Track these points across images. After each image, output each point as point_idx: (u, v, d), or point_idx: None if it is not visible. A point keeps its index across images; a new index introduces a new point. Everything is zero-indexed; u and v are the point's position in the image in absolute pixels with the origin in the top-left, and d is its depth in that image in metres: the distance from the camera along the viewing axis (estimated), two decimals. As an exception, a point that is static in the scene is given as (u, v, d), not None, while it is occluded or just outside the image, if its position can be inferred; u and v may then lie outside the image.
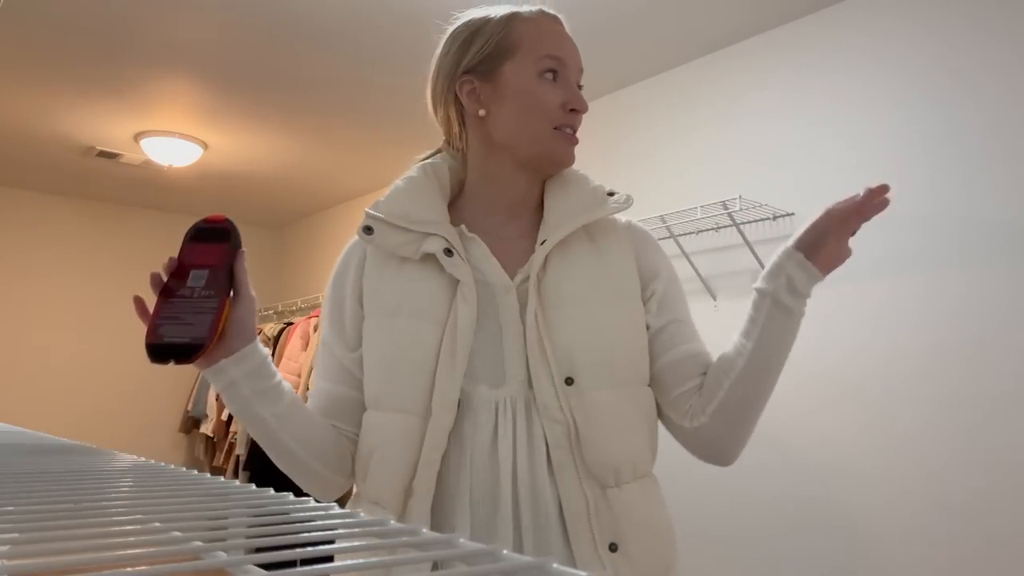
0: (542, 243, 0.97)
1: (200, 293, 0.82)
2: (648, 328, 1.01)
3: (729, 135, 2.61)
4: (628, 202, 1.02)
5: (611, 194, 1.03)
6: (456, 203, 1.05)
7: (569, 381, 0.92)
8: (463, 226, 1.00)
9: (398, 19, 2.51)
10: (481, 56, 0.99)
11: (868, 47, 2.28)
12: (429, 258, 0.96)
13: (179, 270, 0.84)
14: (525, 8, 1.01)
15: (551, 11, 1.02)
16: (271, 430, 0.98)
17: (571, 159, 1.01)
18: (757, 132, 2.54)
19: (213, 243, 0.85)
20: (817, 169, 2.36)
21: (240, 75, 2.96)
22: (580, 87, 1.02)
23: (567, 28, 1.03)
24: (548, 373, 0.91)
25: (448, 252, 0.95)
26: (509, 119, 0.97)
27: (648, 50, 2.71)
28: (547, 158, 1.00)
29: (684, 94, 2.79)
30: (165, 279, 0.84)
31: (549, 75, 0.98)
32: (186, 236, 0.86)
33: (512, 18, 1.00)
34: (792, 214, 2.38)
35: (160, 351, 0.80)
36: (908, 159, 2.16)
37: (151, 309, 0.83)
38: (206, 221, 0.86)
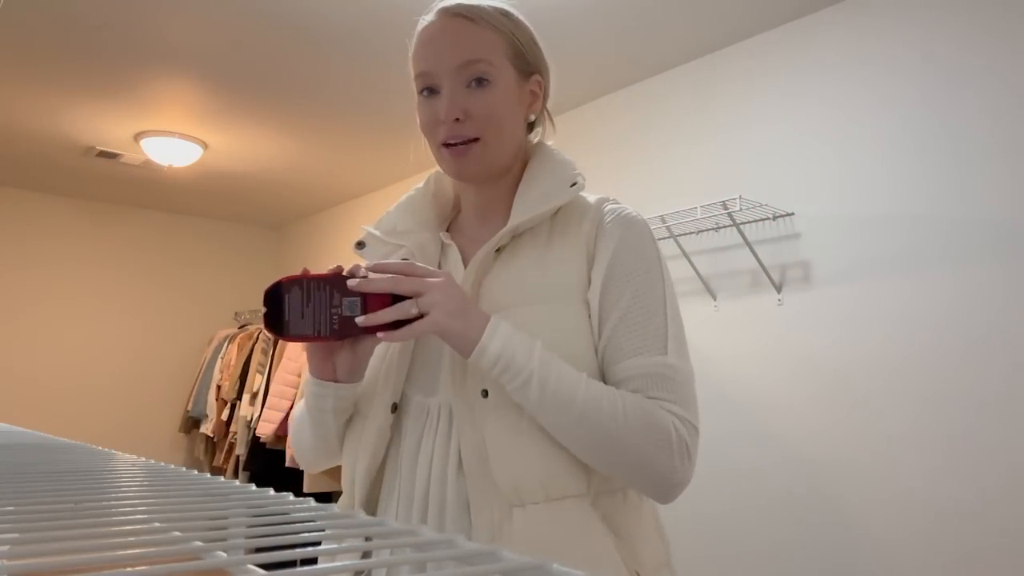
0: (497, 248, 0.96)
1: (342, 310, 0.83)
2: (595, 334, 0.92)
3: (729, 135, 2.61)
4: (576, 189, 0.96)
5: (574, 184, 0.97)
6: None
7: (485, 393, 0.89)
8: (443, 234, 1.03)
9: (398, 19, 2.51)
10: (413, 79, 1.02)
11: (866, 48, 2.28)
12: None
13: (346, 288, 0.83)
14: (426, 16, 1.01)
15: (442, 4, 0.99)
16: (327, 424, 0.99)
17: (464, 173, 0.96)
18: (757, 132, 2.54)
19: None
20: (817, 169, 2.36)
21: (240, 75, 2.96)
22: (476, 77, 0.93)
23: (456, 13, 0.97)
24: (466, 385, 0.90)
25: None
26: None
27: (647, 51, 2.71)
28: (449, 175, 1.00)
29: (684, 95, 2.79)
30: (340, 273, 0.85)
31: (425, 92, 0.97)
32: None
33: (414, 34, 1.01)
34: (792, 214, 2.38)
35: (275, 299, 0.81)
36: (906, 159, 2.16)
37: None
38: None
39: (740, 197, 2.31)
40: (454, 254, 1.01)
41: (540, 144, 1.04)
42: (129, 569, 0.25)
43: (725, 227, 2.52)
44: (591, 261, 0.94)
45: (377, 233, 1.02)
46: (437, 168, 1.06)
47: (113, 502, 0.39)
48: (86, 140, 3.69)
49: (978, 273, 1.99)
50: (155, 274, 4.90)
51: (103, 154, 3.85)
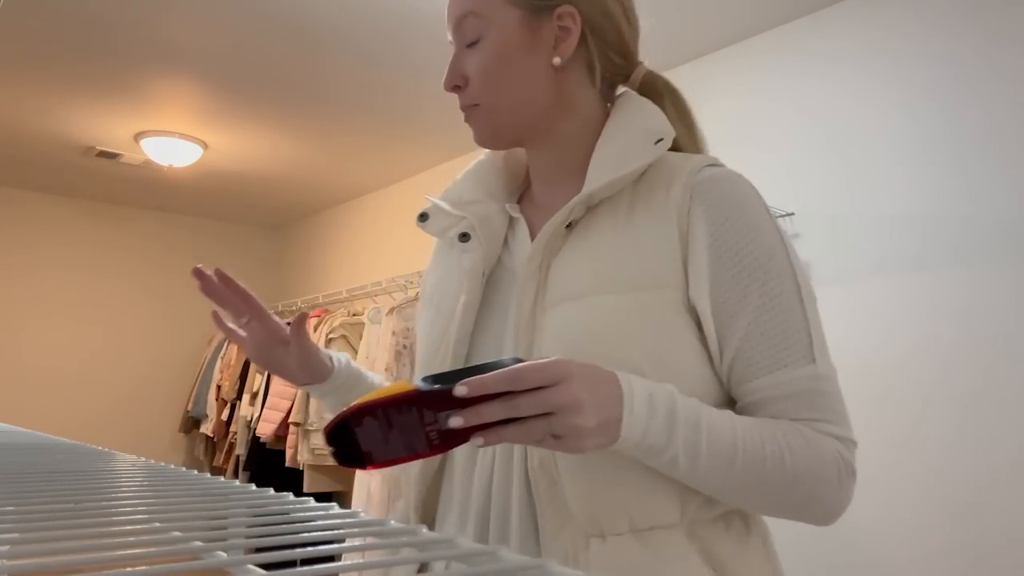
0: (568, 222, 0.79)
1: (440, 424, 0.62)
2: (712, 341, 0.74)
3: (728, 135, 2.61)
4: (662, 147, 0.78)
5: (660, 141, 0.78)
6: None
7: None
8: (509, 205, 0.89)
9: (398, 19, 2.51)
10: None
11: (869, 47, 2.28)
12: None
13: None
14: None
15: None
16: None
17: (478, 141, 0.86)
18: (757, 132, 2.54)
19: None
20: (817, 169, 2.36)
21: (240, 75, 2.96)
22: (471, 43, 0.82)
23: None
24: None
25: (464, 237, 0.85)
26: None
27: (647, 51, 2.70)
28: None
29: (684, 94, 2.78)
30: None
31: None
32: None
33: None
34: (792, 214, 2.38)
35: (342, 437, 0.63)
36: (909, 158, 2.16)
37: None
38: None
39: (740, 197, 2.31)
40: (522, 229, 0.86)
41: (625, 94, 0.86)
42: (129, 569, 0.25)
43: (725, 227, 2.52)
44: (684, 241, 0.74)
45: (443, 204, 0.89)
46: None
47: (113, 502, 0.39)
48: (86, 140, 3.69)
49: (981, 273, 1.99)
50: (155, 274, 4.90)
51: (103, 154, 3.85)
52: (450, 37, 0.85)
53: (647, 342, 0.72)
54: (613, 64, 0.85)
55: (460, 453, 0.81)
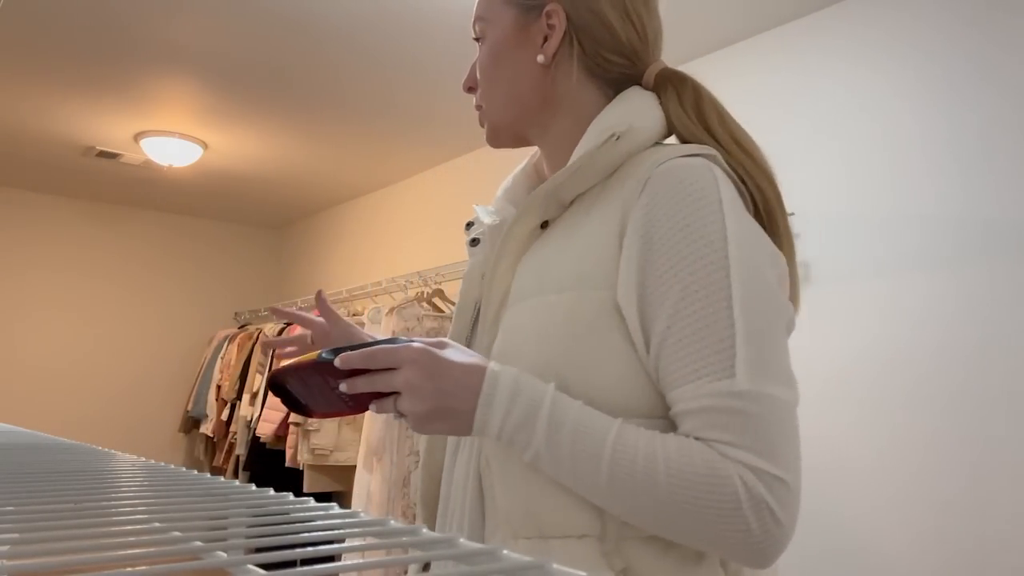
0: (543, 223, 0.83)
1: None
2: (637, 343, 0.70)
3: (729, 135, 2.61)
4: (611, 140, 0.75)
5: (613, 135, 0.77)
6: None
7: None
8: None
9: (398, 19, 2.51)
10: None
11: (869, 47, 2.28)
12: None
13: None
14: None
15: None
16: None
17: (489, 142, 0.88)
18: (757, 132, 2.54)
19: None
20: (817, 169, 2.36)
21: (240, 75, 2.96)
22: (479, 41, 0.85)
23: None
24: None
25: (474, 242, 0.88)
26: None
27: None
28: None
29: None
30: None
31: None
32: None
33: None
34: (792, 214, 2.38)
35: (280, 390, 0.77)
36: (909, 159, 2.16)
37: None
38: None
39: (740, 197, 2.31)
40: None
41: (628, 89, 0.82)
42: (129, 569, 0.25)
43: (725, 227, 2.52)
44: (621, 236, 0.70)
45: (482, 213, 0.89)
46: None
47: (113, 502, 0.39)
48: (86, 140, 3.69)
49: (982, 273, 1.99)
50: (155, 274, 4.90)
51: (103, 154, 3.85)
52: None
53: (573, 346, 0.70)
54: (610, 63, 0.81)
55: (449, 452, 0.83)
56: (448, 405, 0.67)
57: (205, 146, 3.72)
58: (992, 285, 1.96)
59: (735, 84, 2.62)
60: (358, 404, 0.74)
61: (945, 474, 1.99)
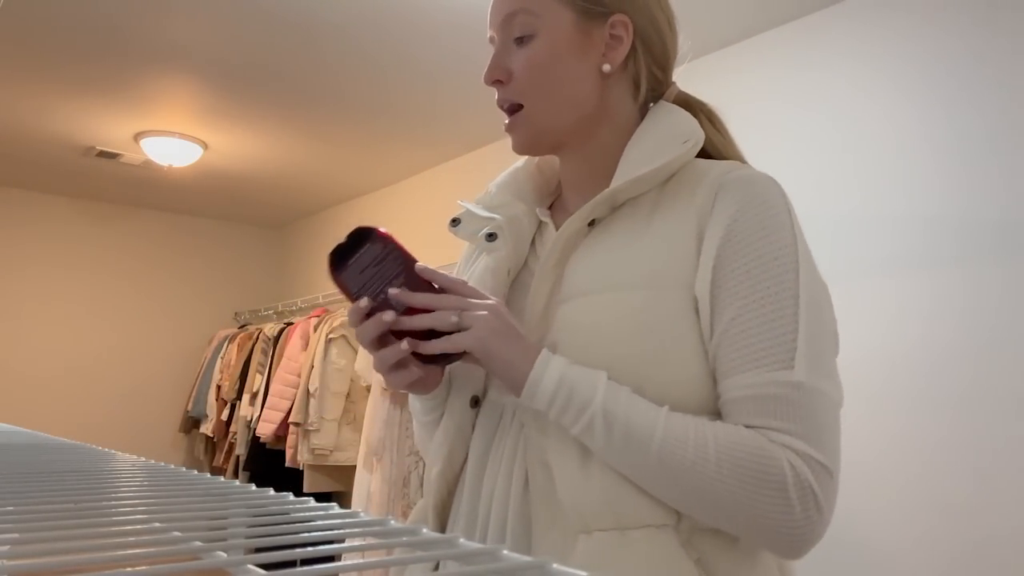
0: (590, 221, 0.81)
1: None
2: (704, 337, 0.72)
3: (732, 134, 2.61)
4: (690, 147, 0.78)
5: (688, 140, 0.80)
6: None
7: None
8: (540, 209, 0.89)
9: (398, 19, 2.51)
10: None
11: (872, 46, 2.28)
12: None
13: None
14: None
15: None
16: (426, 431, 0.90)
17: (516, 145, 0.84)
18: (756, 132, 2.54)
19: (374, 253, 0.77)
20: (817, 169, 2.36)
21: (240, 75, 2.96)
22: (518, 39, 0.81)
23: None
24: None
25: (491, 237, 0.84)
26: None
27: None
28: None
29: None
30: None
31: None
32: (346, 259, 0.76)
33: None
34: (792, 214, 2.38)
35: (356, 241, 0.76)
36: (910, 158, 2.16)
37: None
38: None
39: (740, 197, 2.31)
40: (550, 233, 0.86)
41: (659, 103, 0.86)
42: (129, 569, 0.25)
43: (725, 227, 2.52)
44: (701, 239, 0.74)
45: (475, 208, 0.88)
46: None
47: (113, 502, 0.39)
48: (86, 140, 3.69)
49: (982, 273, 1.99)
50: (155, 274, 4.90)
51: (103, 154, 3.85)
52: (492, 32, 0.84)
53: (645, 340, 0.71)
54: (654, 78, 0.86)
55: (476, 452, 0.80)
56: (518, 340, 0.72)
57: (205, 146, 3.72)
58: (997, 285, 1.96)
59: (738, 83, 2.62)
60: (382, 305, 0.74)
61: (949, 475, 1.99)
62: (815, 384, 0.68)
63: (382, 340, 0.74)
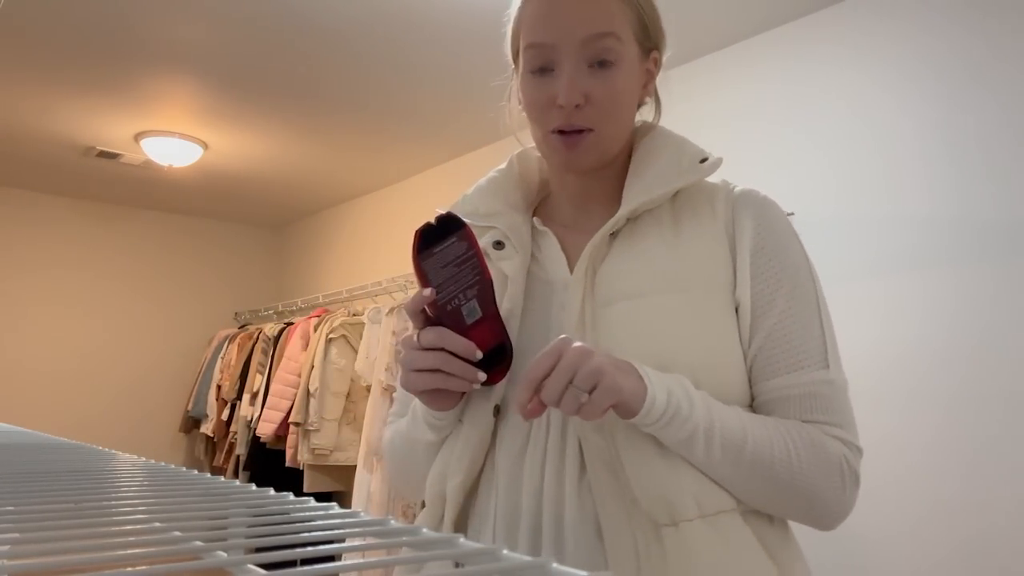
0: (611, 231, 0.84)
1: (463, 303, 0.77)
2: (743, 338, 0.79)
3: (728, 135, 2.61)
4: (713, 166, 0.83)
5: (704, 160, 0.84)
6: (549, 194, 0.97)
7: None
8: (536, 219, 0.91)
9: (399, 19, 2.51)
10: (509, 44, 0.89)
11: (867, 48, 2.28)
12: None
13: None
14: None
15: None
16: (423, 450, 0.89)
17: (575, 164, 0.84)
18: (756, 132, 2.54)
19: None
20: (817, 169, 2.36)
21: (240, 75, 2.96)
22: (601, 56, 0.80)
23: None
24: None
25: (498, 245, 0.87)
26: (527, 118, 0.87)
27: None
28: (552, 164, 0.89)
29: (683, 95, 2.78)
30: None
31: (537, 69, 0.82)
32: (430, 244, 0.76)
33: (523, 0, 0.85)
34: (792, 214, 2.38)
35: (443, 230, 0.75)
36: (909, 159, 2.16)
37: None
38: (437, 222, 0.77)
39: (740, 197, 2.31)
40: (550, 242, 0.88)
41: (653, 125, 0.92)
42: (129, 569, 0.25)
43: (725, 227, 2.52)
44: (733, 248, 0.81)
45: (462, 217, 0.91)
46: (521, 148, 0.97)
47: (113, 502, 0.39)
48: (86, 140, 3.69)
49: (981, 273, 1.99)
50: (155, 274, 4.90)
51: (103, 154, 3.85)
52: (552, 40, 0.80)
53: (700, 340, 0.77)
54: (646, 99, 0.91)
55: (507, 458, 0.81)
56: (625, 365, 0.72)
57: (205, 146, 3.72)
58: (988, 286, 1.96)
59: (735, 84, 2.62)
60: (443, 316, 0.75)
61: (942, 473, 1.99)
62: (841, 377, 0.80)
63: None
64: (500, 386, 0.81)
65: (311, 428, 3.55)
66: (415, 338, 0.77)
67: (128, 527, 0.33)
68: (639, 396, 0.70)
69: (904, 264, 2.13)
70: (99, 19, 2.55)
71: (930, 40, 2.15)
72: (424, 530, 0.34)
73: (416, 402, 0.86)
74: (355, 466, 3.37)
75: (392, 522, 0.35)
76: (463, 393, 0.80)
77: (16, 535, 0.30)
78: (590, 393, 0.68)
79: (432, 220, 0.76)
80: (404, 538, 0.33)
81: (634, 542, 0.72)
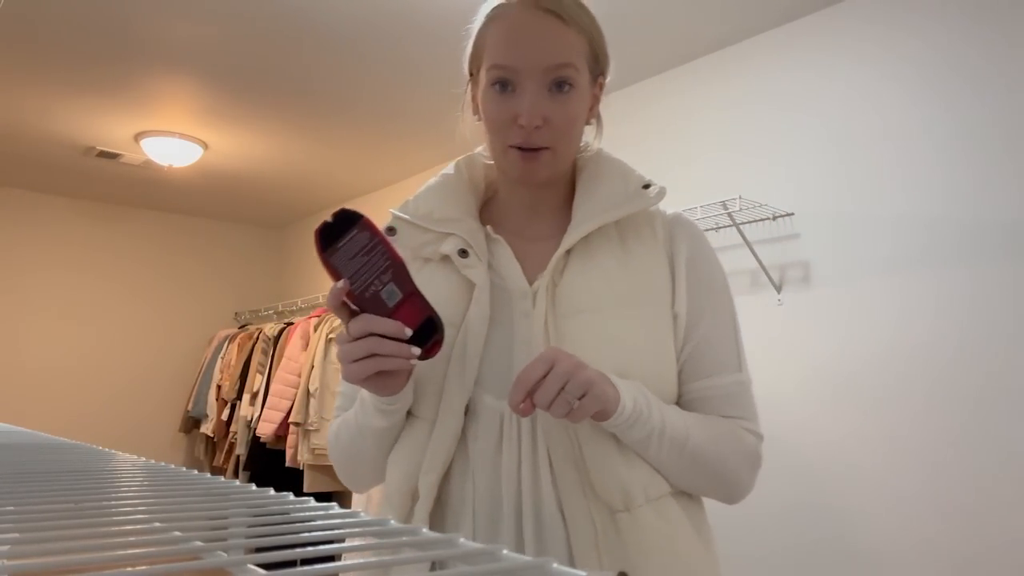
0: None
1: (380, 289, 0.79)
2: (676, 345, 0.91)
3: (729, 135, 2.61)
4: (660, 195, 0.93)
5: (647, 186, 0.93)
6: (491, 200, 1.02)
7: None
8: (489, 227, 0.96)
9: (399, 20, 2.51)
10: (468, 59, 0.96)
11: (870, 46, 2.28)
12: (448, 259, 0.92)
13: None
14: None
15: None
16: (373, 438, 0.92)
17: (530, 177, 0.90)
18: (757, 132, 2.54)
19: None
20: (817, 169, 2.36)
21: (240, 75, 2.96)
22: (560, 83, 0.87)
23: (547, 9, 0.88)
24: None
25: (463, 253, 0.91)
26: (485, 130, 0.93)
27: (647, 50, 2.71)
28: (508, 175, 0.94)
29: (683, 94, 2.79)
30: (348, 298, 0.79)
31: (498, 86, 0.88)
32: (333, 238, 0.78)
33: (488, 16, 0.92)
34: (792, 214, 2.38)
35: (343, 224, 0.77)
36: (909, 158, 2.16)
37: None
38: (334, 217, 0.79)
39: (740, 197, 2.31)
40: (503, 250, 0.94)
41: (599, 151, 1.00)
42: (129, 569, 0.25)
43: (725, 227, 2.52)
44: (672, 267, 0.93)
45: (416, 220, 0.95)
46: (466, 154, 1.02)
47: (113, 502, 0.39)
48: (86, 140, 3.69)
49: (981, 273, 1.99)
50: (155, 274, 4.90)
51: (103, 154, 3.85)
52: (517, 67, 0.87)
53: (650, 350, 0.88)
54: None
55: (481, 456, 0.87)
56: (610, 389, 0.80)
57: (205, 146, 3.72)
58: (997, 285, 1.96)
59: (735, 84, 2.62)
60: (363, 303, 0.77)
61: (954, 478, 1.99)
62: (748, 377, 0.94)
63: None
64: (468, 386, 0.87)
65: (311, 428, 3.55)
66: (346, 331, 0.80)
67: (128, 527, 0.33)
68: (615, 402, 0.80)
69: (913, 263, 2.13)
70: (99, 19, 2.55)
71: (940, 35, 2.14)
72: (424, 530, 0.34)
73: (363, 392, 0.89)
74: (355, 481, 3.36)
75: (392, 522, 0.35)
76: (409, 374, 0.84)
77: (16, 535, 0.30)
78: (580, 399, 0.77)
79: (330, 217, 0.78)
80: (404, 538, 0.33)
81: (593, 527, 0.83)
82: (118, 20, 2.56)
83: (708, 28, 2.55)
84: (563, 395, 0.76)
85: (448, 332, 0.86)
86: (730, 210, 2.33)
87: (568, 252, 0.91)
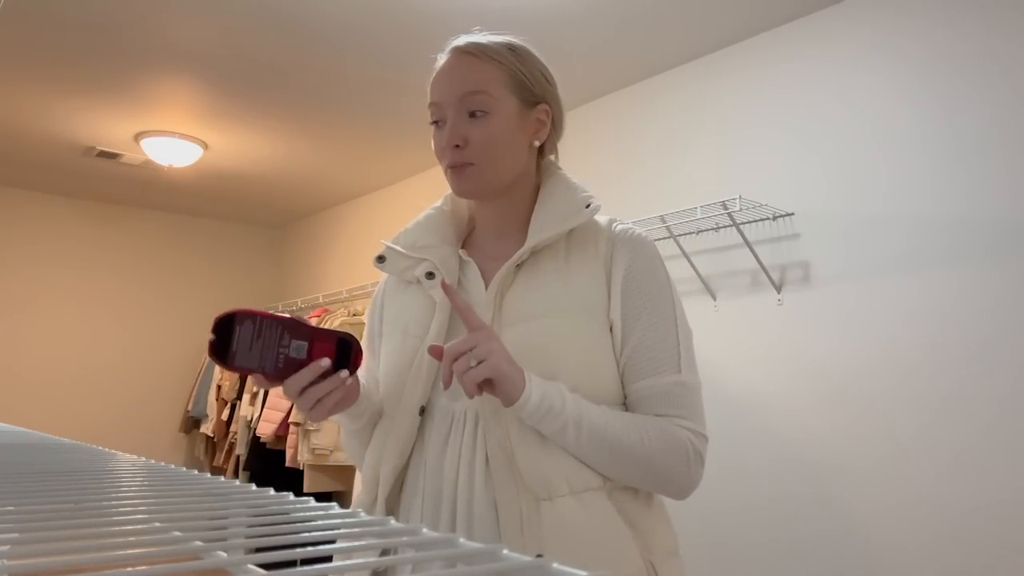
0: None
1: (289, 352, 0.88)
2: (616, 350, 1.00)
3: (729, 135, 2.61)
4: (593, 211, 1.03)
5: (588, 205, 1.04)
6: (475, 228, 1.15)
7: None
8: (463, 250, 1.10)
9: (398, 20, 2.51)
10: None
11: (868, 47, 2.28)
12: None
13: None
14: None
15: (454, 43, 1.05)
16: (355, 435, 1.11)
17: (461, 190, 1.04)
18: (757, 132, 2.54)
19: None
20: (817, 169, 2.36)
21: (240, 75, 2.96)
22: (472, 114, 1.01)
23: (463, 50, 1.03)
24: None
25: (430, 275, 1.06)
26: None
27: (647, 50, 2.71)
28: (455, 194, 1.08)
29: (684, 94, 2.79)
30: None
31: (434, 124, 1.05)
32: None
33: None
34: (792, 214, 2.38)
35: (226, 329, 0.85)
36: (909, 158, 2.16)
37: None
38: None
39: (740, 197, 2.31)
40: (472, 269, 1.08)
41: (553, 167, 1.11)
42: (129, 569, 0.25)
43: (725, 227, 2.52)
44: (609, 280, 1.01)
45: (398, 248, 1.11)
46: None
47: (113, 502, 0.39)
48: (86, 140, 3.69)
49: (981, 273, 1.99)
50: (155, 274, 4.90)
51: (103, 154, 3.85)
52: (439, 101, 1.03)
53: (580, 353, 0.97)
54: (550, 150, 1.12)
55: (433, 450, 1.01)
56: (515, 363, 0.91)
57: (205, 146, 3.72)
58: (994, 285, 1.96)
59: (734, 84, 2.62)
60: (283, 372, 0.87)
61: (950, 476, 1.99)
62: (691, 380, 1.00)
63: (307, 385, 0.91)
64: (423, 390, 1.01)
65: (311, 428, 3.55)
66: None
67: (128, 527, 0.33)
68: (518, 388, 0.90)
69: (912, 264, 2.13)
70: (99, 19, 2.55)
71: (934, 37, 2.14)
72: (424, 530, 0.34)
73: None
74: (355, 466, 3.36)
75: (392, 522, 0.35)
76: (356, 387, 0.97)
77: (16, 535, 0.30)
78: (478, 365, 0.87)
79: (211, 334, 0.86)
80: (404, 538, 0.33)
81: (520, 514, 0.92)
82: (118, 20, 2.56)
83: (708, 28, 2.55)
84: (465, 356, 0.88)
85: (413, 344, 1.03)
86: (730, 210, 2.33)
87: (519, 266, 1.02)
